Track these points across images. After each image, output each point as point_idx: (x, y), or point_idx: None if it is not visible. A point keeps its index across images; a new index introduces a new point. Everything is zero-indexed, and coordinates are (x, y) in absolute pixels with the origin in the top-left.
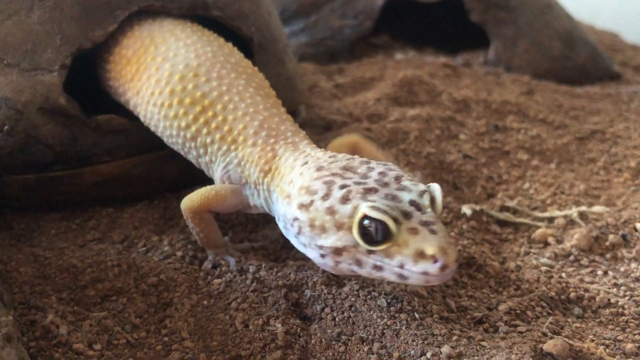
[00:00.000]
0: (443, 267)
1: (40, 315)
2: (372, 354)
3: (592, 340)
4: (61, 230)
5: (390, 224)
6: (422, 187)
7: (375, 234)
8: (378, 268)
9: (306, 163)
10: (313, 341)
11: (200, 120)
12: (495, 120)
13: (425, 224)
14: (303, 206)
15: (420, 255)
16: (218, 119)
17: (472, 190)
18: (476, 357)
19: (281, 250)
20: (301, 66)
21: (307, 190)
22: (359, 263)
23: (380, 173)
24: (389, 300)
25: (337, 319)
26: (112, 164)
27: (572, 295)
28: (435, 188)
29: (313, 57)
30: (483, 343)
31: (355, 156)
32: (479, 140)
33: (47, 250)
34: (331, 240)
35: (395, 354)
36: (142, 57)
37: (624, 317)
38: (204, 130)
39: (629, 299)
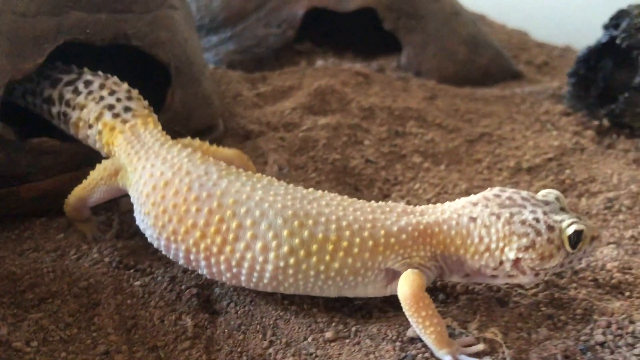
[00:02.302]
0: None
1: None
2: (265, 340)
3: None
4: (1, 241)
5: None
6: (552, 196)
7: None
8: (570, 263)
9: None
10: (218, 332)
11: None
12: (396, 126)
13: (579, 218)
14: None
15: (592, 238)
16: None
17: (370, 191)
18: (348, 340)
19: None
20: (227, 74)
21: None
22: (562, 265)
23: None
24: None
25: (239, 312)
26: (45, 181)
27: (439, 283)
28: (556, 192)
29: (241, 64)
30: (357, 327)
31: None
32: (380, 146)
33: None
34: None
35: (284, 340)
36: None
37: (476, 302)
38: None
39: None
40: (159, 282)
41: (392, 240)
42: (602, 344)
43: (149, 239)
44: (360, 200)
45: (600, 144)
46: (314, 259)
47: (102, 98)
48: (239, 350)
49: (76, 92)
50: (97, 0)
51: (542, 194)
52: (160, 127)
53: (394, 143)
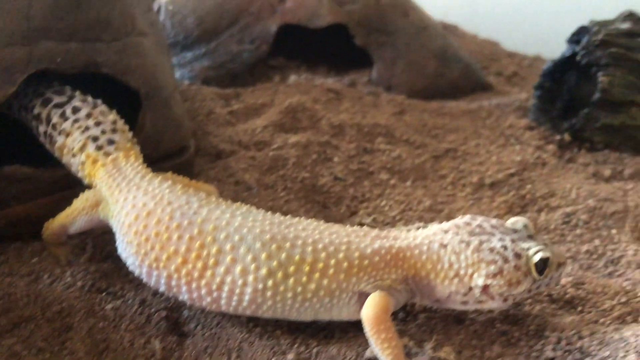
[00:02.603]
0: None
1: None
2: None
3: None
4: None
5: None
6: (520, 224)
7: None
8: (537, 289)
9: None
10: (185, 354)
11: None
12: (365, 142)
13: (546, 245)
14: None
15: (559, 265)
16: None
17: (338, 209)
18: None
19: None
20: (201, 91)
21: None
22: (529, 291)
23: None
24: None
25: (206, 335)
26: (19, 207)
27: None
28: (524, 220)
29: (215, 79)
30: (318, 348)
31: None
32: (349, 163)
33: None
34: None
35: None
36: None
37: (434, 320)
38: None
39: None
40: (129, 305)
41: (366, 262)
42: None
43: (131, 267)
44: (336, 225)
45: (562, 158)
46: (291, 280)
47: (87, 128)
48: None
49: (63, 116)
50: (67, 30)
51: (510, 222)
52: (141, 160)
53: (362, 160)
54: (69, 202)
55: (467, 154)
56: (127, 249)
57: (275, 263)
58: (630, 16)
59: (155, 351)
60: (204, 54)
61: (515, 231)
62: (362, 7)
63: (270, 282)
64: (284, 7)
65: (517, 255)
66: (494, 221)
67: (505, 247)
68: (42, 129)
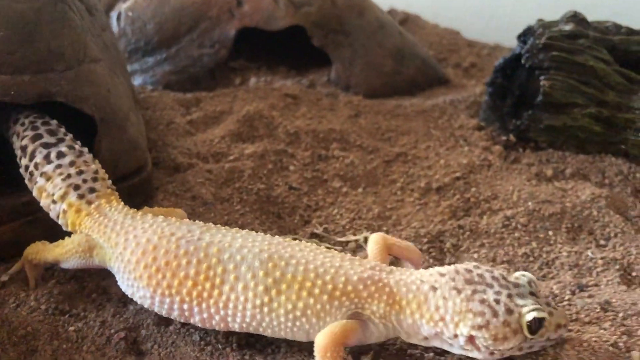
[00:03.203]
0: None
1: None
2: None
3: None
4: None
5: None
6: (525, 279)
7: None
8: (530, 348)
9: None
10: None
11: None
12: (320, 149)
13: (547, 304)
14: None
15: (558, 326)
16: None
17: (292, 219)
18: None
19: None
20: (162, 99)
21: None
22: (520, 349)
23: (494, 277)
24: (201, 335)
25: (162, 354)
26: None
27: None
28: (530, 276)
29: (177, 84)
30: None
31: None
32: (304, 171)
33: None
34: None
35: None
36: None
37: None
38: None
39: None
40: (91, 327)
41: (350, 287)
42: None
43: (140, 300)
44: (335, 252)
45: (507, 159)
46: (283, 297)
47: (69, 176)
48: None
49: (47, 158)
50: (19, 63)
51: (515, 276)
52: (122, 203)
53: (316, 168)
54: (32, 228)
55: (417, 158)
56: (135, 285)
57: (270, 280)
58: (573, 17)
59: None
60: (165, 59)
61: (516, 286)
62: (318, 8)
63: (266, 299)
64: (242, 11)
65: (509, 311)
66: (497, 272)
67: (498, 301)
68: (24, 162)
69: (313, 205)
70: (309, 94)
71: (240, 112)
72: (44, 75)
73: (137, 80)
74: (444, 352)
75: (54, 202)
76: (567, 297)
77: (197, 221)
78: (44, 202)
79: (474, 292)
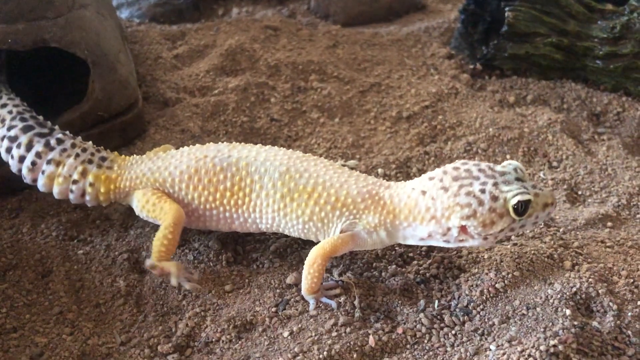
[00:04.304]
0: (555, 205)
1: None
2: (180, 294)
3: None
4: None
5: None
6: (511, 167)
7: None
8: (523, 227)
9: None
10: (145, 289)
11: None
12: (299, 81)
13: (533, 187)
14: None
15: (545, 205)
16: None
17: None
18: (242, 290)
19: (127, 219)
20: (148, 34)
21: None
22: (512, 229)
23: (481, 169)
24: (194, 255)
25: None
26: None
27: None
28: (516, 163)
29: (162, 16)
30: (249, 278)
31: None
32: (284, 103)
33: None
34: (499, 226)
35: (194, 293)
36: None
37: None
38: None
39: None
40: (97, 250)
41: (349, 200)
42: (435, 277)
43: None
44: (345, 169)
45: (473, 87)
46: (295, 204)
47: (77, 155)
48: (161, 302)
49: (48, 146)
50: (13, 12)
51: (502, 165)
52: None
53: (296, 99)
54: None
55: (390, 87)
56: (185, 201)
57: (286, 189)
58: None
59: (120, 288)
60: None
61: (503, 174)
62: None
63: (282, 205)
64: None
65: (494, 198)
66: (484, 165)
67: (483, 191)
68: (17, 153)
69: (293, 135)
70: (289, 25)
71: (223, 45)
72: (37, 23)
73: (124, 14)
74: (404, 264)
75: (74, 182)
76: None
77: (211, 143)
78: (59, 188)
79: (460, 187)
